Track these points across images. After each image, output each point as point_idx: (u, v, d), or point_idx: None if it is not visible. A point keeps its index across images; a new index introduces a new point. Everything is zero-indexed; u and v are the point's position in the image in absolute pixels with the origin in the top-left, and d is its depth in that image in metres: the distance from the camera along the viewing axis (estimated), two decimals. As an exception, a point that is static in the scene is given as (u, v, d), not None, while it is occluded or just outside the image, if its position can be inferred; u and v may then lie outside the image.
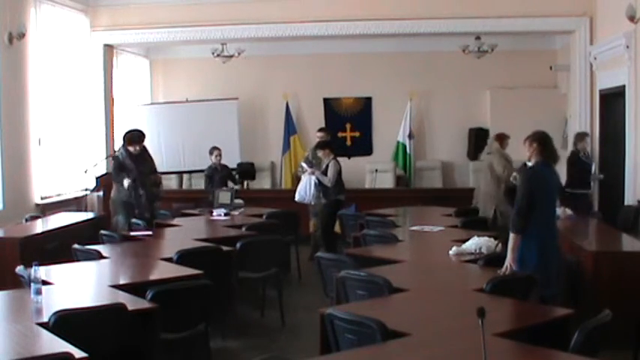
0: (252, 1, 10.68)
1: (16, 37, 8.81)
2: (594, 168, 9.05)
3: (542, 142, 5.14)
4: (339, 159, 9.21)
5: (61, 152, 10.08)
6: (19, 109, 9.05)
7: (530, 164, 5.29)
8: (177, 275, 4.99)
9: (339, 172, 8.96)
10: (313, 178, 8.98)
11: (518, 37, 11.66)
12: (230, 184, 9.75)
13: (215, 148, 9.78)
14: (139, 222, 7.60)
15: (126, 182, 7.85)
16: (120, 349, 3.94)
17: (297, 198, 9.23)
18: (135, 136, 8.13)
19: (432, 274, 5.26)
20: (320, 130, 10.01)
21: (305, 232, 9.79)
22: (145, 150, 8.22)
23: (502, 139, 8.38)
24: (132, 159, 7.97)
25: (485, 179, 8.34)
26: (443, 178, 12.66)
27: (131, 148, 8.02)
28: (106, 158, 10.94)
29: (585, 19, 10.15)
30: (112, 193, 8.28)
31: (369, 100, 13.02)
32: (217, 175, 9.67)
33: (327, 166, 8.93)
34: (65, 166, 10.21)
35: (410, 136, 12.54)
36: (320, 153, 9.12)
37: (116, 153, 8.36)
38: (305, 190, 9.07)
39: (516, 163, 7.93)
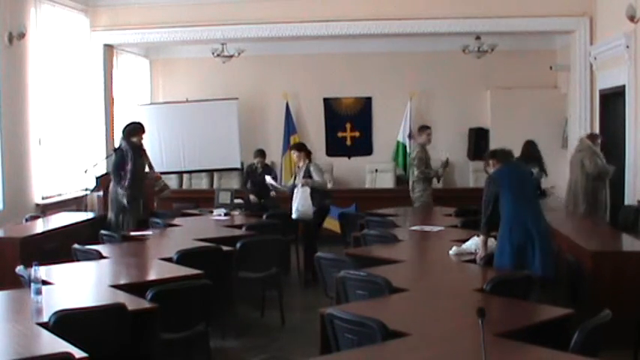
0: (252, 1, 10.68)
1: (16, 37, 8.81)
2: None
3: (493, 155, 5.71)
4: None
5: (61, 152, 10.08)
6: (19, 109, 9.05)
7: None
8: (177, 275, 4.98)
9: None
10: (308, 189, 8.21)
11: (518, 37, 11.66)
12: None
13: (258, 153, 9.54)
14: (159, 221, 7.70)
15: (120, 191, 7.79)
16: (120, 349, 3.94)
17: (295, 215, 8.20)
18: (138, 127, 8.12)
19: (432, 274, 5.27)
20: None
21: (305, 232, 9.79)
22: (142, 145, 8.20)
23: (594, 138, 8.50)
24: (134, 152, 7.90)
25: (576, 175, 8.37)
26: (443, 178, 12.63)
27: (135, 139, 7.99)
28: (106, 158, 10.95)
29: (585, 19, 10.15)
30: (111, 190, 8.11)
31: (369, 100, 13.02)
32: (255, 176, 9.38)
33: (308, 170, 8.26)
34: (65, 166, 10.21)
35: (410, 136, 12.53)
36: (295, 155, 8.52)
37: (118, 148, 8.16)
38: (302, 204, 8.16)
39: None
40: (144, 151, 8.21)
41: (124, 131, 8.18)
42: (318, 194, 8.25)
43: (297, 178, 8.36)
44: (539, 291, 5.12)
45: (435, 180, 9.42)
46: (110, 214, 8.10)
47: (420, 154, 9.20)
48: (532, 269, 5.17)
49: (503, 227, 5.40)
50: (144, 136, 8.20)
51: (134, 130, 8.11)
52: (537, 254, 5.26)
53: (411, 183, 9.22)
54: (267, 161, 12.73)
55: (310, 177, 8.23)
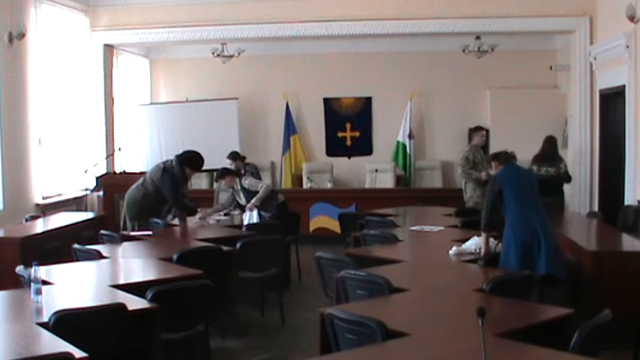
0: (252, 1, 10.69)
1: (16, 37, 8.82)
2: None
3: (495, 157, 5.82)
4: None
5: (61, 152, 10.09)
6: (19, 109, 9.06)
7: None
8: (177, 275, 4.98)
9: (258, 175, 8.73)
10: (255, 212, 7.86)
11: (518, 37, 11.67)
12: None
13: (232, 155, 9.25)
14: (158, 221, 7.56)
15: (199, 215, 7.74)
16: (120, 349, 3.94)
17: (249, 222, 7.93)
18: (199, 162, 7.70)
19: (432, 274, 5.26)
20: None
21: (305, 232, 9.80)
22: None
23: None
24: (183, 181, 7.62)
25: None
26: (443, 178, 12.66)
27: (189, 170, 7.63)
28: (106, 158, 10.97)
29: (585, 19, 10.16)
30: (133, 194, 7.72)
31: (369, 100, 13.02)
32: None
33: (244, 189, 8.00)
34: (65, 166, 10.22)
35: (410, 136, 12.55)
36: (223, 183, 8.19)
37: (169, 166, 7.61)
38: (250, 220, 7.90)
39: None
40: (187, 182, 7.91)
41: (182, 156, 7.68)
42: (268, 199, 7.98)
43: (239, 198, 8.11)
44: (543, 290, 5.16)
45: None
46: (124, 216, 7.91)
47: (467, 154, 9.21)
48: (538, 267, 5.19)
49: (508, 227, 5.43)
50: (196, 173, 7.95)
51: (194, 162, 7.67)
52: (543, 252, 5.29)
53: (462, 183, 9.25)
54: (267, 161, 12.81)
55: (248, 191, 7.96)
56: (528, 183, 5.62)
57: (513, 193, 5.43)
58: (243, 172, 8.86)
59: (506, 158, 5.74)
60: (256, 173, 9.28)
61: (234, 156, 9.23)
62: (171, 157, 7.79)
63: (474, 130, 9.67)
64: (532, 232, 5.34)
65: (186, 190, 7.97)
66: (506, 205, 5.46)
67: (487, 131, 9.42)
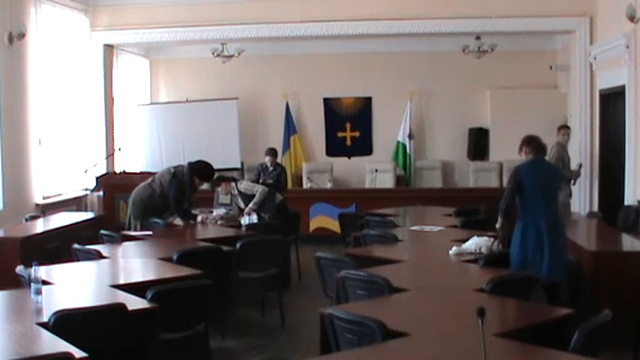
0: (252, 1, 10.69)
1: (16, 37, 8.82)
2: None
3: (529, 142, 5.65)
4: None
5: (61, 152, 10.09)
6: (19, 109, 9.06)
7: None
8: (177, 275, 4.98)
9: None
10: (254, 216, 7.88)
11: (518, 37, 11.67)
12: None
13: (269, 151, 9.30)
14: (159, 221, 7.53)
15: (200, 217, 7.63)
16: (120, 349, 3.94)
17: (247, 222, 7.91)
18: (210, 174, 7.73)
19: (432, 274, 5.26)
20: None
21: (305, 232, 9.79)
22: None
23: None
24: (190, 189, 7.61)
25: None
26: (443, 178, 12.66)
27: (197, 181, 7.61)
28: (106, 158, 10.97)
29: (585, 19, 10.16)
30: (139, 194, 7.65)
31: (369, 100, 13.03)
32: (266, 175, 9.18)
33: (241, 193, 8.04)
34: (65, 166, 10.22)
35: (410, 136, 12.55)
36: (220, 189, 8.24)
37: (180, 172, 7.57)
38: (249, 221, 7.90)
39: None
40: (195, 190, 7.83)
41: (194, 165, 7.65)
42: (266, 201, 8.02)
43: (238, 202, 8.16)
44: (542, 292, 5.17)
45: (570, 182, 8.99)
46: (129, 214, 7.85)
47: (558, 153, 8.92)
48: (540, 274, 5.19)
49: (518, 226, 5.46)
50: (205, 183, 7.95)
51: (205, 174, 7.68)
52: (546, 259, 5.32)
53: None
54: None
55: (245, 195, 8.01)
56: (548, 183, 5.59)
57: (531, 194, 5.43)
58: (271, 169, 9.06)
59: (537, 148, 5.62)
60: (284, 174, 9.31)
61: (273, 152, 9.35)
62: (172, 157, 7.77)
63: (558, 128, 9.37)
64: (538, 240, 5.37)
65: (194, 198, 7.98)
66: (521, 201, 5.50)
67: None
